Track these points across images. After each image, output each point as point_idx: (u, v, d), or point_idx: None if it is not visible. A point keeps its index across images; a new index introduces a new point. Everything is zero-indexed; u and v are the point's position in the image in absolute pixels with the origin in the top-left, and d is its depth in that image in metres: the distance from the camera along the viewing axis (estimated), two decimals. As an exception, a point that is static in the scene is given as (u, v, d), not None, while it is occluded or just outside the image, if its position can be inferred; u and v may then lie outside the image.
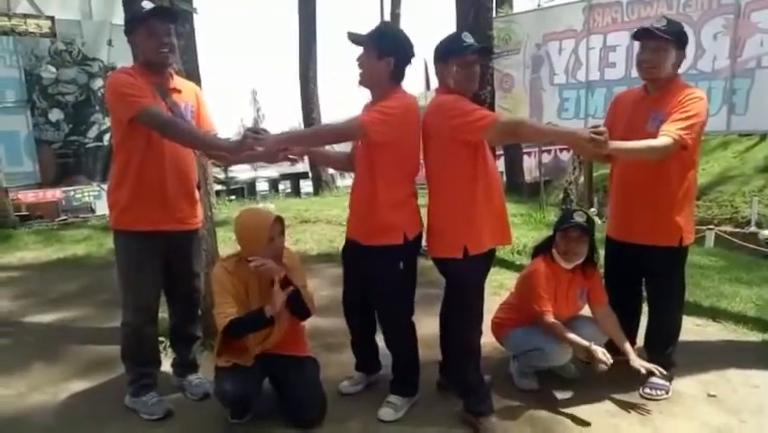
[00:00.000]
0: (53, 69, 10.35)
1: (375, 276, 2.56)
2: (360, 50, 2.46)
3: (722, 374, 2.96)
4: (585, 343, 2.62)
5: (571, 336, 2.65)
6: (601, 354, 2.55)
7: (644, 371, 2.66)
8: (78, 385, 2.99)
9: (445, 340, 2.65)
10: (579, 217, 2.75)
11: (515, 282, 3.10)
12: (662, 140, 2.43)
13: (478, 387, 2.56)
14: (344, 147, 2.96)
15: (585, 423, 2.55)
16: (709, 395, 2.77)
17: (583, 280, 2.86)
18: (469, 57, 2.38)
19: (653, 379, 2.78)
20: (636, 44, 2.65)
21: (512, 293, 3.06)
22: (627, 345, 2.76)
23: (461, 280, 2.50)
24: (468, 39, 2.40)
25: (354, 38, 2.47)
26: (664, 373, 2.68)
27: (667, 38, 2.56)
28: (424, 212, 2.58)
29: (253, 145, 2.32)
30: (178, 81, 2.68)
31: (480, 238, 2.43)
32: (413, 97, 2.55)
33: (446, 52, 2.42)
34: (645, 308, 2.97)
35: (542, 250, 2.90)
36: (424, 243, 2.61)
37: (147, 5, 2.46)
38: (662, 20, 2.61)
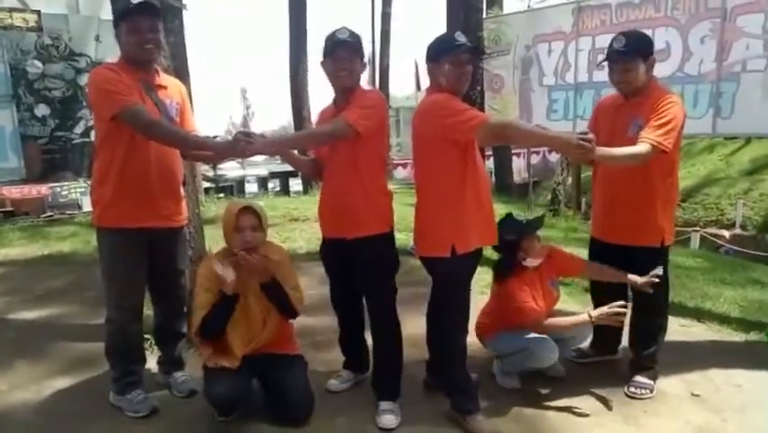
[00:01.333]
0: (39, 64, 10.22)
1: (366, 264, 2.58)
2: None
3: (705, 374, 3.00)
4: (584, 317, 2.66)
5: (569, 320, 2.72)
6: (609, 308, 2.58)
7: (645, 280, 2.66)
8: (63, 383, 2.96)
9: (432, 339, 2.65)
10: (528, 222, 2.83)
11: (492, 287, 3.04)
12: (642, 147, 2.50)
13: (464, 385, 2.57)
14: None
15: (570, 421, 2.56)
16: (693, 394, 2.80)
17: (548, 269, 2.88)
18: (461, 56, 2.39)
19: (638, 378, 2.82)
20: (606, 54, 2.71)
21: (492, 299, 3.01)
22: (629, 276, 2.76)
23: (448, 280, 2.50)
24: (460, 38, 2.42)
25: (356, 41, 2.52)
26: (660, 274, 2.68)
27: (629, 60, 2.61)
28: (413, 211, 2.58)
29: (245, 148, 2.32)
30: (164, 78, 2.66)
31: (468, 238, 2.44)
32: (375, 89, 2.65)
33: (439, 51, 2.43)
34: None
35: (507, 269, 2.82)
36: (411, 242, 2.62)
37: (132, 1, 2.42)
38: (620, 39, 2.65)
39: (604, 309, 2.60)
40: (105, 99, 2.38)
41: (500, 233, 2.64)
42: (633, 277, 2.74)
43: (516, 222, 2.82)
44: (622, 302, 2.60)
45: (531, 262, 2.80)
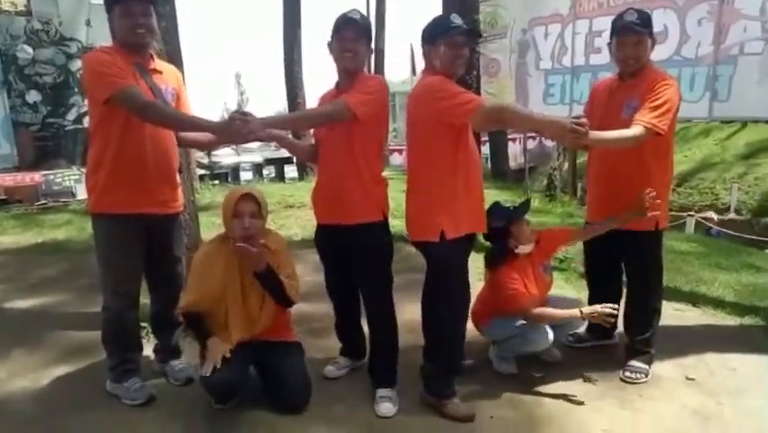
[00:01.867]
0: (30, 50, 10.07)
1: (362, 252, 2.57)
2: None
3: (700, 358, 3.02)
4: (575, 312, 2.66)
5: (560, 312, 2.70)
6: (602, 308, 2.58)
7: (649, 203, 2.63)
8: (59, 371, 2.95)
9: (425, 324, 2.65)
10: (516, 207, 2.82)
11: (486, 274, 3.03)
12: (635, 129, 2.48)
13: (443, 371, 2.57)
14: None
15: (566, 406, 2.58)
16: (688, 378, 2.82)
17: (539, 254, 2.89)
18: (456, 38, 2.37)
19: (633, 362, 2.83)
20: (603, 37, 2.68)
21: (485, 287, 3.02)
22: (617, 220, 2.76)
23: (440, 264, 2.50)
24: (456, 20, 2.40)
25: (365, 22, 2.51)
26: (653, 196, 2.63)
27: (645, 31, 2.61)
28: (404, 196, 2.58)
29: (240, 128, 2.29)
30: (160, 63, 2.62)
31: (458, 223, 2.43)
32: (379, 76, 2.63)
33: (434, 33, 2.41)
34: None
35: (499, 257, 2.82)
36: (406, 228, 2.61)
37: None
38: (633, 13, 2.64)
39: (597, 308, 2.59)
40: (100, 82, 2.35)
41: (489, 221, 2.64)
42: (622, 219, 2.72)
43: (504, 209, 2.82)
44: (614, 305, 2.60)
45: (523, 249, 2.79)
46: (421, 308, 2.64)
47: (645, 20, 2.64)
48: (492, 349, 2.98)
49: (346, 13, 2.50)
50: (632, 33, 2.63)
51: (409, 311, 2.81)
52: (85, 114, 10.71)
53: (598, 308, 2.59)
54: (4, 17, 9.33)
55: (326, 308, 2.98)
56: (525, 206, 2.87)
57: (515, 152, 15.53)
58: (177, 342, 2.91)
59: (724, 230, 10.16)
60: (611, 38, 2.75)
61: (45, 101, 10.44)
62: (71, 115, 10.76)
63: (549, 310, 2.74)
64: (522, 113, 2.48)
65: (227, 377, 2.40)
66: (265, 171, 19.37)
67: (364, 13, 2.59)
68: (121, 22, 2.41)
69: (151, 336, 2.98)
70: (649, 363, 2.85)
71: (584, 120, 2.24)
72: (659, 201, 2.64)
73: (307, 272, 3.87)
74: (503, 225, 2.75)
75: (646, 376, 2.80)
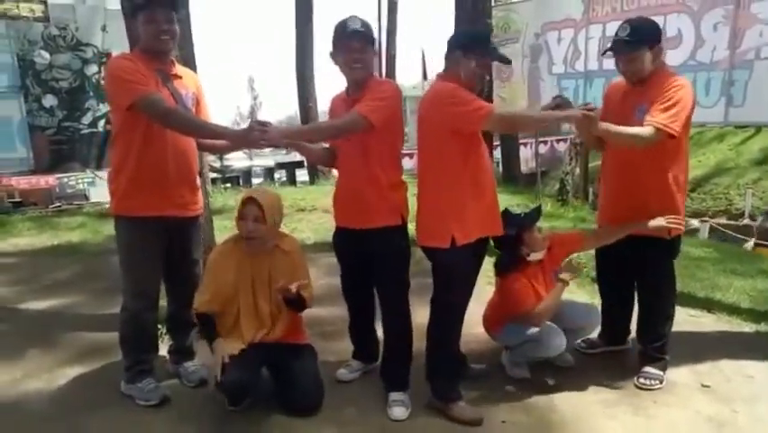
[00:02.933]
0: (47, 55, 10.22)
1: (380, 256, 2.57)
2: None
3: (716, 365, 2.99)
4: (559, 285, 2.73)
5: (549, 297, 2.72)
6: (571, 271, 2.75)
7: (663, 222, 2.63)
8: (74, 371, 2.98)
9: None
10: (521, 213, 2.82)
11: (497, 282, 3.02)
12: (646, 129, 2.47)
13: (448, 374, 2.57)
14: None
15: (579, 412, 2.56)
16: (703, 385, 2.79)
17: (550, 260, 2.87)
18: (491, 61, 2.42)
19: (647, 369, 2.81)
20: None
21: (495, 293, 2.99)
22: (631, 226, 2.74)
23: (447, 270, 2.49)
24: (494, 42, 2.42)
25: (368, 30, 2.50)
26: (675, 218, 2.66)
27: (633, 50, 2.57)
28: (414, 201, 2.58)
29: (258, 138, 2.32)
30: (180, 69, 2.66)
31: (468, 228, 2.43)
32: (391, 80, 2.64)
33: (471, 46, 2.41)
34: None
35: (510, 263, 2.81)
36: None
37: None
38: (625, 28, 2.59)
39: (568, 271, 2.72)
40: (122, 88, 2.39)
41: (517, 221, 2.69)
42: (638, 227, 2.68)
43: (515, 216, 2.79)
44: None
45: (535, 257, 2.78)
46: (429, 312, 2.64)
47: (642, 32, 2.57)
48: (505, 354, 2.97)
49: (347, 22, 2.45)
50: (622, 52, 2.61)
51: (421, 315, 2.80)
52: (100, 117, 10.85)
53: (568, 272, 2.72)
54: (23, 23, 9.48)
55: (339, 312, 2.99)
56: (536, 212, 2.85)
57: (526, 157, 15.45)
58: (191, 343, 2.93)
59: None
60: None
61: (61, 105, 10.58)
62: (86, 119, 10.89)
63: (543, 303, 2.70)
64: (532, 115, 2.52)
65: (240, 378, 2.42)
66: (276, 175, 19.47)
67: (376, 18, 2.62)
68: (146, 28, 2.45)
69: (165, 336, 3.01)
70: (663, 369, 2.82)
71: (592, 105, 2.38)
72: (679, 224, 2.64)
73: (320, 276, 3.88)
74: (514, 233, 2.73)
75: (661, 383, 2.77)
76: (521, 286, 2.72)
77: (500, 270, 2.85)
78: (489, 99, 5.22)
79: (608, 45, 2.66)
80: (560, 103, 2.56)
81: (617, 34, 2.62)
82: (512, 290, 2.75)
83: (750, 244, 9.23)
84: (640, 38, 2.56)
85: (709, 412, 2.56)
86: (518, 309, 2.72)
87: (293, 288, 2.42)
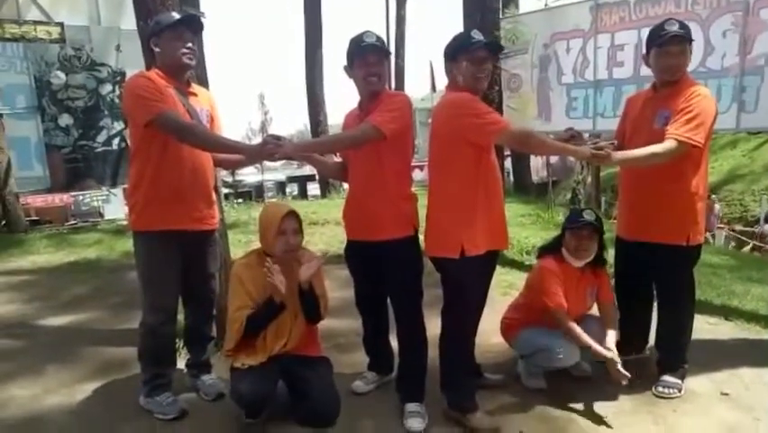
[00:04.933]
0: (62, 75, 10.44)
1: (393, 267, 2.59)
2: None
3: (735, 373, 2.95)
4: (597, 346, 2.63)
5: (583, 335, 2.66)
6: (617, 371, 2.58)
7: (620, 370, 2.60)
8: (93, 386, 3.01)
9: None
10: (588, 216, 2.75)
11: (524, 282, 3.09)
12: (667, 144, 2.48)
13: (463, 383, 2.57)
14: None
15: (598, 421, 2.55)
16: (723, 393, 2.76)
17: (593, 279, 2.86)
18: (479, 53, 2.40)
19: (666, 377, 2.78)
20: (638, 45, 2.69)
21: (521, 293, 3.06)
22: (610, 333, 2.73)
23: (456, 281, 2.50)
24: (477, 35, 2.43)
25: (383, 44, 2.55)
26: (628, 375, 2.61)
27: (687, 41, 2.59)
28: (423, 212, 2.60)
29: (272, 151, 2.36)
30: (195, 87, 2.73)
31: (478, 239, 2.44)
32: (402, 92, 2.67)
33: (456, 49, 2.44)
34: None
35: (550, 249, 2.90)
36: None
37: (177, 15, 2.56)
38: (673, 23, 2.61)
39: (615, 358, 2.61)
40: (140, 106, 2.44)
41: (572, 216, 2.81)
42: (599, 350, 2.64)
43: (585, 214, 2.77)
44: (628, 375, 2.59)
45: (567, 257, 2.78)
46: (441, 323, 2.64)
47: (687, 28, 2.61)
48: (521, 364, 2.95)
49: (362, 37, 2.50)
50: (676, 43, 2.59)
51: (435, 325, 2.80)
52: (114, 136, 11.04)
53: (616, 358, 2.60)
54: (40, 45, 9.70)
55: (353, 324, 3.00)
56: (601, 223, 2.81)
57: (537, 166, 15.44)
58: (208, 357, 2.95)
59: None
60: (649, 48, 2.68)
61: (77, 124, 10.78)
62: (101, 138, 11.08)
63: (574, 325, 2.69)
64: (545, 142, 2.53)
65: (256, 388, 2.43)
66: (288, 189, 19.60)
67: (384, 30, 2.67)
68: (172, 45, 2.51)
69: (183, 350, 3.03)
70: (682, 377, 2.79)
71: (603, 144, 2.37)
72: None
73: (333, 288, 3.88)
74: (566, 227, 2.79)
75: (680, 391, 2.74)
76: (554, 281, 2.73)
77: (540, 251, 2.95)
78: (500, 110, 5.27)
79: (659, 40, 2.58)
80: (573, 135, 2.58)
81: (663, 29, 2.60)
82: (542, 268, 2.79)
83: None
84: (688, 33, 2.60)
85: (730, 421, 2.52)
86: (543, 302, 2.72)
87: (306, 273, 2.45)
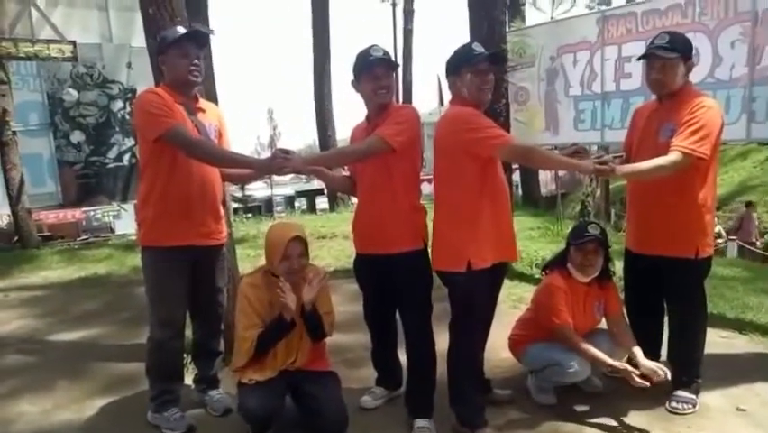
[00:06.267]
0: (75, 92, 10.60)
1: (402, 281, 2.58)
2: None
3: (751, 388, 2.90)
4: (609, 360, 2.59)
5: (593, 350, 2.62)
6: (638, 379, 2.53)
7: (658, 373, 2.55)
8: (102, 402, 3.01)
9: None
10: (593, 230, 2.73)
11: (532, 296, 3.06)
12: (672, 156, 2.46)
13: (471, 399, 2.54)
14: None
15: (611, 438, 2.50)
16: (738, 409, 2.70)
17: (599, 293, 2.82)
18: (482, 64, 2.41)
19: (680, 392, 2.73)
20: (632, 62, 2.70)
21: (528, 308, 3.03)
22: (636, 349, 2.68)
23: (464, 294, 2.48)
24: (478, 48, 2.45)
25: (390, 58, 2.57)
26: (666, 370, 2.57)
27: (671, 56, 2.57)
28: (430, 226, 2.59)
29: (281, 165, 2.37)
30: (203, 102, 2.76)
31: (484, 253, 2.43)
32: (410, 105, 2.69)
33: (458, 62, 2.45)
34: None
35: (555, 264, 2.87)
36: None
37: (181, 30, 2.57)
38: (663, 37, 2.61)
39: (628, 368, 2.56)
40: (150, 122, 2.47)
41: (577, 231, 2.77)
42: (612, 364, 2.60)
43: (590, 228, 2.74)
44: (645, 383, 2.53)
45: (573, 271, 2.75)
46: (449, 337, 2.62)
47: (678, 43, 2.59)
48: (530, 379, 2.92)
49: (369, 51, 2.51)
50: (654, 58, 2.60)
51: (444, 340, 2.78)
52: (125, 152, 11.17)
53: (629, 368, 2.55)
54: (52, 63, 9.85)
55: (361, 339, 2.98)
56: (605, 237, 2.78)
57: (546, 179, 15.40)
58: (216, 372, 2.94)
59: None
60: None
61: (88, 141, 10.92)
62: (112, 154, 11.21)
63: (581, 341, 2.65)
64: (548, 156, 2.56)
65: (264, 403, 2.42)
66: (297, 204, 19.69)
67: (392, 45, 2.69)
68: (178, 62, 2.54)
69: (191, 365, 3.03)
70: (696, 392, 2.74)
71: (606, 158, 2.38)
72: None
73: (341, 303, 3.89)
74: (571, 243, 2.75)
75: (694, 407, 2.69)
76: (559, 286, 2.71)
77: (546, 265, 2.93)
78: (507, 123, 5.25)
79: (645, 54, 2.64)
80: (578, 150, 2.56)
81: (653, 42, 2.63)
82: (549, 285, 2.76)
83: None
84: (677, 47, 2.57)
85: (747, 437, 2.47)
86: (548, 319, 2.69)
87: (308, 295, 2.44)
